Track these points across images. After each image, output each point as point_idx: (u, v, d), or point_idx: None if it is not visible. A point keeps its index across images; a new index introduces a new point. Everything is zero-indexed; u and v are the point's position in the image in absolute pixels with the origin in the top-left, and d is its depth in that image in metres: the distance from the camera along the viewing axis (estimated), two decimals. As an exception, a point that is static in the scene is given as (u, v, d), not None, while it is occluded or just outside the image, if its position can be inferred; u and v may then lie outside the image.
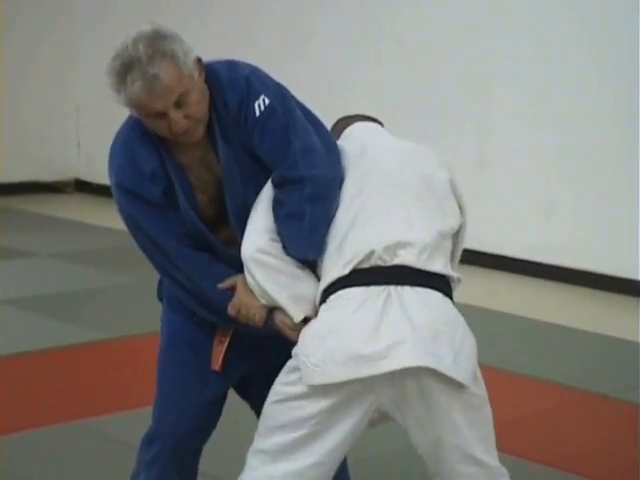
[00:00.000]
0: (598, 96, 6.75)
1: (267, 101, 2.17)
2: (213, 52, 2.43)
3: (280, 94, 2.22)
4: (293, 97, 2.26)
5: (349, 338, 2.13)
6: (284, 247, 2.24)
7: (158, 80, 2.07)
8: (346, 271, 2.18)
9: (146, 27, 2.12)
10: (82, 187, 8.09)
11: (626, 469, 3.71)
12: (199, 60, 2.17)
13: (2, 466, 3.47)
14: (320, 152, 2.21)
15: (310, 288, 2.26)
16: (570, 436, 4.07)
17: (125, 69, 2.07)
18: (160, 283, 2.50)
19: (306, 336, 2.17)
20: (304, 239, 2.21)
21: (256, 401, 2.44)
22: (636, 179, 6.56)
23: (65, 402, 4.10)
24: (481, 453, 2.21)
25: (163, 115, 2.11)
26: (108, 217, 5.50)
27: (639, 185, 6.55)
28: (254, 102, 2.16)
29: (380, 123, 2.58)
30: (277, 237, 2.24)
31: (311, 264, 2.29)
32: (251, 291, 2.25)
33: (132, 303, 5.23)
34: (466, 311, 2.35)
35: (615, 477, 3.65)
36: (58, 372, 4.44)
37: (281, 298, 2.23)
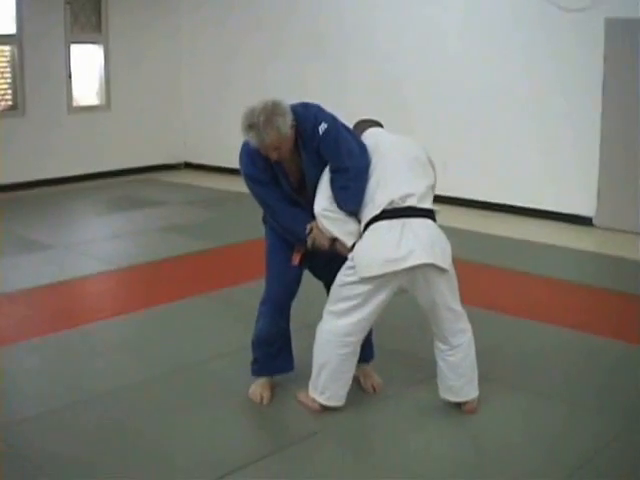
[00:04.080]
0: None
1: (325, 125, 3.86)
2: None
3: (332, 121, 3.90)
4: (339, 120, 3.95)
5: (383, 249, 3.78)
6: (338, 205, 3.91)
7: (265, 141, 3.77)
8: (378, 212, 3.83)
9: (269, 103, 3.76)
10: (188, 166, 12.01)
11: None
12: (293, 125, 3.80)
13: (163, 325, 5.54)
14: (356, 151, 3.92)
15: (355, 227, 3.93)
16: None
17: (249, 128, 3.78)
18: (264, 216, 4.23)
19: (358, 250, 3.85)
20: (350, 200, 3.91)
21: (321, 278, 4.28)
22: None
23: (203, 282, 6.46)
24: (453, 304, 3.97)
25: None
26: (203, 181, 10.94)
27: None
28: (319, 127, 3.86)
29: (381, 125, 4.28)
30: (334, 200, 3.91)
31: (354, 214, 3.93)
32: (321, 231, 3.96)
33: (222, 228, 8.36)
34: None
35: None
36: (192, 264, 7.08)
37: (339, 233, 3.93)
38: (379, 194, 3.88)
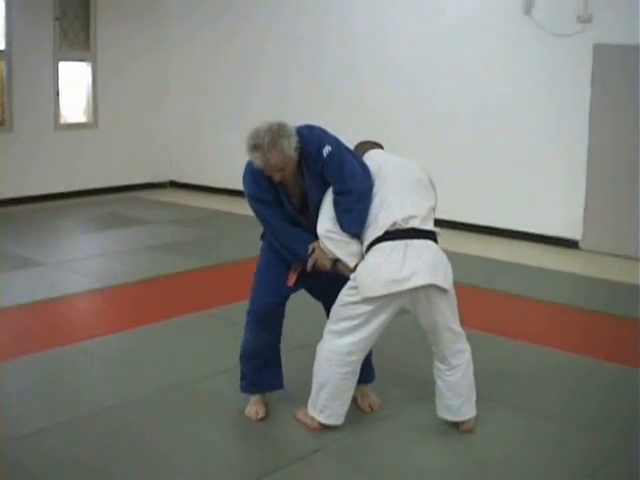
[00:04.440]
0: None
1: (329, 148, 3.90)
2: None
3: (336, 143, 3.95)
4: (342, 143, 3.99)
5: (386, 270, 3.80)
6: (341, 227, 3.94)
7: (269, 162, 3.81)
8: (380, 233, 3.87)
9: (275, 125, 3.80)
10: (174, 184, 12.11)
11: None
12: (297, 147, 3.85)
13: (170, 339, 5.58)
14: (359, 173, 3.96)
15: (357, 248, 3.97)
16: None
17: (254, 149, 3.82)
18: (263, 233, 4.24)
19: (361, 270, 3.88)
20: (353, 222, 3.94)
21: (321, 299, 4.28)
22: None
23: (196, 301, 6.46)
24: (454, 325, 4.01)
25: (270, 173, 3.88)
26: (188, 200, 10.82)
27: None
28: (322, 149, 3.90)
29: (382, 147, 4.34)
30: (337, 222, 3.94)
31: (357, 236, 3.96)
32: (324, 252, 3.98)
33: (209, 246, 8.39)
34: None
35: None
36: (182, 283, 7.08)
37: (341, 255, 3.96)
38: (382, 215, 3.91)
